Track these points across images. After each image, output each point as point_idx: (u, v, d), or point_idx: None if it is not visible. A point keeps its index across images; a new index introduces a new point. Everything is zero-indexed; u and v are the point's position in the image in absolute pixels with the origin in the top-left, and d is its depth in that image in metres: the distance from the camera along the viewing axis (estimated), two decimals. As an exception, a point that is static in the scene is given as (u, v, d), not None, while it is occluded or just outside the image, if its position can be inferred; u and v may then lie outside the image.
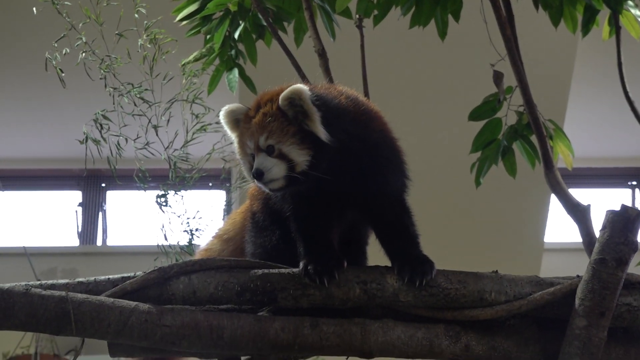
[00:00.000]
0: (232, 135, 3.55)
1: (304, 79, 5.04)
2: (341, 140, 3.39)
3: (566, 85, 9.44)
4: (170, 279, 3.39)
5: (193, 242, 6.12)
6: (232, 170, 6.78)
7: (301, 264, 3.38)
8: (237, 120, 3.51)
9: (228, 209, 7.24)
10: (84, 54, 5.88)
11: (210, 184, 7.12)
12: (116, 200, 11.59)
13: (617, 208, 3.33)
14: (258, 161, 3.36)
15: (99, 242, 11.35)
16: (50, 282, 3.40)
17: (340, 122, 3.42)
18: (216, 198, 8.19)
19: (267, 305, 3.41)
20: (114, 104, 5.97)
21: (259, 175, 3.34)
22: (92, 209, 11.51)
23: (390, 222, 3.53)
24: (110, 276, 3.45)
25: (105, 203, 11.53)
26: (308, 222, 3.50)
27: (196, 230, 6.15)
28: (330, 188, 3.43)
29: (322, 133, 3.36)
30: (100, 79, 5.87)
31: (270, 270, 3.39)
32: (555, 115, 6.00)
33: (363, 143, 3.46)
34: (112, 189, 11.49)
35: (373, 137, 3.50)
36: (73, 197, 11.68)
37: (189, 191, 6.26)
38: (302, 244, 3.49)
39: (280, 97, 3.39)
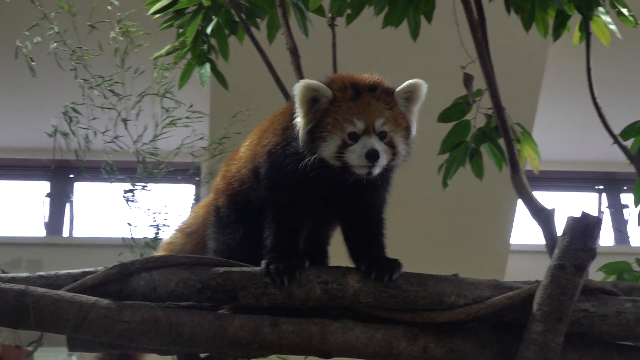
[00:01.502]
0: (301, 110, 3.43)
1: (274, 75, 5.06)
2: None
3: (536, 88, 9.51)
4: (131, 274, 3.39)
5: (159, 237, 6.12)
6: (201, 165, 6.79)
7: (263, 263, 3.40)
8: (315, 99, 3.42)
9: (196, 203, 7.24)
10: (55, 44, 5.87)
11: (180, 178, 7.12)
12: (84, 191, 11.52)
13: (580, 213, 3.37)
14: (374, 142, 3.36)
15: (66, 234, 11.28)
16: (10, 275, 3.40)
17: None
18: (185, 192, 8.20)
19: (228, 303, 3.42)
20: (83, 95, 5.95)
21: (375, 156, 3.34)
22: (59, 199, 11.43)
23: (366, 228, 3.57)
24: (71, 270, 3.44)
25: (73, 194, 11.46)
26: (289, 218, 3.51)
27: (162, 225, 6.15)
28: (340, 186, 3.45)
29: (414, 131, 3.50)
30: (71, 70, 5.85)
31: (232, 268, 3.41)
32: (525, 118, 6.05)
33: None
34: (81, 181, 11.40)
35: None
36: (41, 188, 11.60)
37: (157, 185, 6.26)
38: (272, 238, 3.49)
39: (400, 89, 3.48)
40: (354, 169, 3.37)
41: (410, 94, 3.49)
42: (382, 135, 3.40)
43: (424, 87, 3.52)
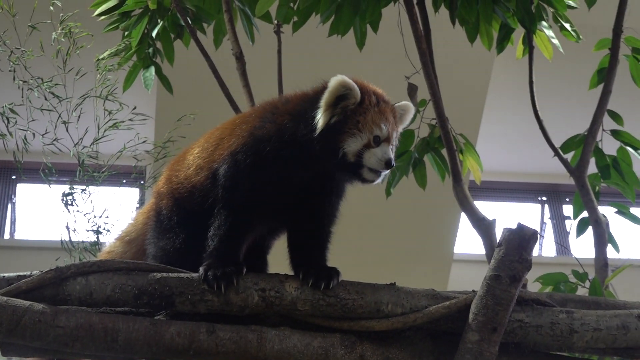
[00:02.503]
0: (327, 103, 3.48)
1: (219, 81, 5.06)
2: None
3: (481, 100, 9.63)
4: (67, 279, 3.36)
5: (99, 241, 6.07)
6: (145, 168, 6.75)
7: (201, 269, 3.39)
8: (343, 96, 3.47)
9: (140, 207, 7.20)
10: (-7, 45, 5.78)
11: (124, 181, 7.06)
12: (27, 193, 11.37)
13: (516, 225, 3.42)
14: (390, 151, 3.50)
15: (7, 236, 11.12)
16: (-58, 278, 3.34)
17: None
18: (129, 195, 8.13)
19: (165, 310, 3.41)
20: (22, 97, 5.88)
21: (391, 165, 3.47)
22: (1, 201, 11.28)
23: (314, 236, 3.61)
24: (6, 274, 3.40)
25: (15, 195, 11.31)
26: (243, 219, 3.52)
27: (103, 229, 6.10)
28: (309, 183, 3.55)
29: None
30: (10, 71, 5.77)
31: (169, 274, 3.39)
32: (470, 128, 6.13)
33: None
34: (23, 182, 11.26)
35: None
36: (-19, 189, 11.43)
37: (99, 188, 6.20)
38: (216, 241, 3.49)
39: (399, 106, 3.62)
40: (364, 171, 3.47)
41: (404, 114, 3.65)
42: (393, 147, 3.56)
43: (413, 111, 3.69)
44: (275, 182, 3.49)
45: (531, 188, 12.18)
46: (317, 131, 3.44)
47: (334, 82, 3.48)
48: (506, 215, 11.86)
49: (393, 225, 10.20)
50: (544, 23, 5.26)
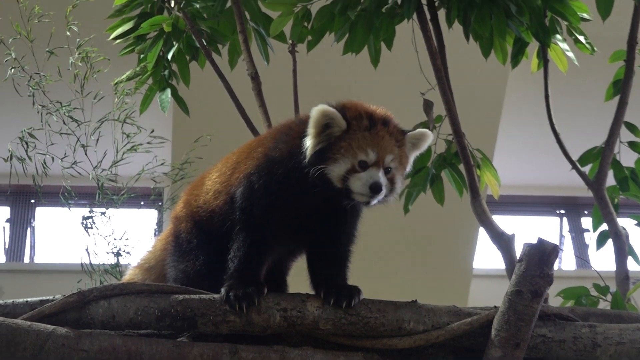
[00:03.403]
0: (314, 131, 3.51)
1: (235, 101, 5.08)
2: None
3: (497, 114, 9.61)
4: (89, 302, 3.39)
5: (119, 263, 6.09)
6: (163, 190, 6.78)
7: (222, 290, 3.41)
8: (329, 125, 3.51)
9: (159, 229, 7.22)
10: (12, 70, 5.83)
11: (142, 203, 7.09)
12: (46, 216, 11.41)
13: (536, 240, 3.41)
14: (379, 176, 3.46)
15: (27, 260, 11.15)
16: (-33, 304, 3.37)
17: None
18: (147, 217, 8.16)
19: (187, 331, 3.42)
20: (41, 121, 5.92)
21: (379, 190, 3.45)
22: (20, 225, 11.32)
23: (333, 256, 3.63)
24: (29, 299, 3.43)
25: (34, 219, 11.35)
26: (262, 240, 3.54)
27: (123, 251, 6.12)
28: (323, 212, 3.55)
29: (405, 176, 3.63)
30: (29, 96, 5.82)
31: (191, 295, 3.41)
32: (486, 143, 6.12)
33: None
34: (42, 205, 11.30)
35: None
36: (1, 213, 11.48)
37: (118, 210, 6.23)
38: (236, 262, 3.51)
39: (413, 134, 3.61)
40: (353, 195, 3.46)
41: (419, 142, 3.65)
42: (387, 170, 3.52)
43: (430, 139, 3.69)
44: (288, 204, 3.52)
45: (549, 201, 12.13)
46: (307, 158, 3.47)
47: (315, 112, 3.50)
48: (525, 229, 11.82)
49: (412, 241, 10.18)
50: (558, 36, 5.25)
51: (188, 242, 3.72)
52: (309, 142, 3.49)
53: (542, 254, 3.35)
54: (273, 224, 3.53)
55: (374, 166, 3.48)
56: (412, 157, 3.69)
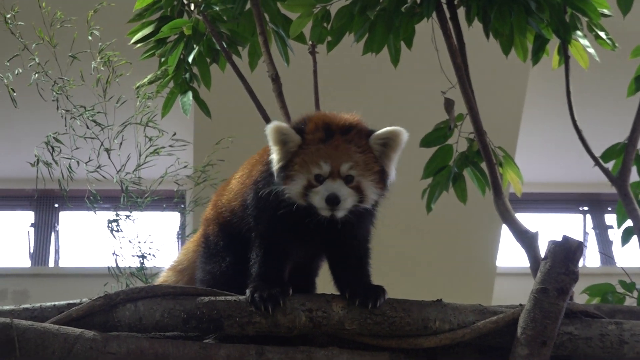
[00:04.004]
0: (275, 148, 3.51)
1: (256, 103, 5.09)
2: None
3: (518, 111, 9.58)
4: (116, 305, 3.41)
5: (144, 266, 6.12)
6: (185, 192, 6.81)
7: (247, 292, 3.42)
8: (285, 141, 3.48)
9: (182, 232, 7.25)
10: (36, 75, 5.87)
11: (165, 206, 7.12)
12: (70, 220, 11.48)
13: (561, 237, 3.40)
14: (335, 187, 3.39)
15: (51, 264, 11.22)
16: (-5, 308, 3.40)
17: None
18: (170, 220, 8.19)
19: (213, 333, 3.44)
20: (65, 126, 5.96)
21: (335, 201, 3.38)
22: (44, 229, 11.39)
23: (350, 258, 3.61)
24: (56, 303, 3.45)
25: (58, 224, 11.42)
26: (274, 247, 3.54)
27: (147, 254, 6.15)
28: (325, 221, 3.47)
29: (392, 178, 3.52)
30: (53, 100, 5.86)
31: (217, 297, 3.42)
32: (507, 141, 6.09)
33: None
34: (66, 210, 11.37)
35: None
36: (25, 218, 11.56)
37: (142, 214, 6.26)
38: (257, 266, 3.52)
39: (377, 135, 3.49)
40: (318, 210, 3.41)
41: (388, 141, 3.50)
42: (348, 179, 3.43)
43: (403, 135, 3.51)
44: (291, 212, 3.47)
45: (572, 198, 12.06)
46: (276, 178, 3.48)
47: (267, 130, 3.48)
48: (548, 226, 11.77)
49: (435, 240, 10.16)
50: (578, 32, 5.22)
51: (215, 245, 3.74)
52: (274, 161, 3.48)
53: (567, 251, 3.34)
54: (281, 234, 3.52)
55: (329, 178, 3.41)
56: (392, 158, 3.52)
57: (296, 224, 3.48)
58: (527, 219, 10.26)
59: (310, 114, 3.59)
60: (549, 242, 3.39)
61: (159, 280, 4.04)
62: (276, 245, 3.54)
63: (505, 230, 10.03)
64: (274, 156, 3.49)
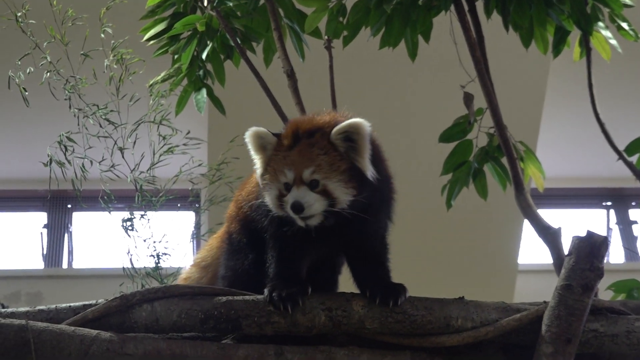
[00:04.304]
0: (256, 157, 3.52)
1: (271, 99, 5.09)
2: (376, 178, 3.45)
3: (539, 105, 9.54)
4: (132, 306, 3.42)
5: (159, 266, 6.14)
6: (200, 191, 6.82)
7: (266, 291, 3.42)
8: (264, 147, 3.49)
9: (197, 231, 7.26)
10: (48, 74, 5.89)
11: (179, 205, 7.14)
12: (83, 221, 11.53)
13: (585, 232, 3.39)
14: (299, 194, 3.35)
15: (65, 265, 11.27)
16: (10, 310, 3.42)
17: (375, 159, 3.48)
18: (185, 219, 8.21)
19: (231, 333, 3.44)
20: (78, 125, 5.98)
21: (298, 209, 3.34)
22: (57, 230, 11.43)
23: (368, 256, 3.59)
24: (72, 304, 3.47)
25: (71, 224, 11.47)
26: (287, 247, 3.53)
27: (163, 254, 6.17)
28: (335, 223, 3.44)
29: (370, 171, 3.41)
30: (65, 99, 5.88)
31: (235, 297, 3.43)
32: (528, 135, 6.08)
33: (380, 181, 3.50)
34: (79, 210, 11.43)
35: (382, 173, 3.55)
36: (38, 219, 11.61)
37: (156, 213, 6.28)
38: (274, 265, 3.53)
39: (335, 131, 3.41)
40: (294, 220, 3.39)
41: (350, 135, 3.41)
42: (313, 185, 3.38)
43: (362, 125, 3.41)
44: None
45: (595, 193, 12.01)
46: (260, 185, 3.49)
47: (246, 136, 3.50)
48: (571, 222, 11.73)
49: (455, 237, 10.14)
50: (600, 24, 5.20)
51: (238, 242, 3.74)
52: (257, 171, 3.50)
53: (592, 247, 3.33)
54: (290, 236, 3.49)
55: (295, 185, 3.38)
56: (361, 152, 3.41)
57: (301, 227, 3.46)
58: (549, 215, 10.24)
59: (292, 119, 3.58)
60: (573, 237, 3.38)
61: (182, 276, 4.04)
62: (288, 246, 3.53)
63: (527, 226, 10.02)
64: (257, 165, 3.50)
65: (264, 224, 3.58)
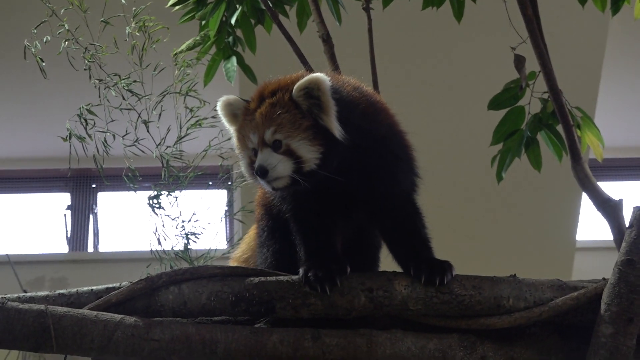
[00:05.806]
0: (230, 129, 3.58)
1: (306, 66, 5.07)
2: (352, 136, 3.43)
3: (597, 69, 9.45)
4: (158, 289, 3.44)
5: (189, 247, 6.15)
6: (232, 167, 6.82)
7: (301, 271, 3.42)
8: (236, 114, 3.55)
9: (230, 210, 7.27)
10: (66, 43, 5.91)
11: (210, 183, 7.15)
12: (109, 202, 11.60)
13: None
14: (262, 157, 3.39)
15: (90, 248, 11.35)
16: (29, 294, 3.44)
17: (351, 116, 3.46)
18: (216, 198, 8.22)
19: (265, 316, 3.45)
20: (99, 97, 6.00)
21: (262, 172, 3.37)
22: (82, 212, 11.50)
23: (399, 224, 3.57)
24: (94, 287, 3.49)
25: (96, 205, 11.53)
26: (309, 223, 3.55)
27: (192, 234, 6.18)
28: (335, 187, 3.45)
29: (336, 129, 3.41)
30: (85, 69, 5.90)
31: (268, 278, 3.43)
32: (585, 102, 6.01)
33: (371, 138, 3.49)
34: (104, 190, 11.51)
35: (381, 131, 3.54)
36: (61, 200, 11.69)
37: (184, 191, 6.29)
38: (302, 248, 3.54)
39: (295, 87, 3.44)
40: (263, 185, 3.45)
41: (310, 91, 3.43)
42: (276, 145, 3.41)
43: (322, 81, 3.42)
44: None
45: (659, 163, 11.93)
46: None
47: (218, 107, 3.56)
48: (632, 194, 11.63)
49: (507, 212, 10.10)
50: (663, -24, 5.13)
51: (264, 228, 3.76)
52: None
53: (656, 218, 3.28)
54: (307, 208, 3.53)
55: (260, 149, 3.42)
56: (324, 109, 3.41)
57: (314, 195, 3.48)
58: (609, 187, 10.15)
59: (264, 81, 3.60)
60: (634, 208, 3.35)
61: None
62: (310, 224, 3.55)
63: (585, 199, 9.95)
64: (232, 137, 3.57)
65: (279, 205, 3.61)
